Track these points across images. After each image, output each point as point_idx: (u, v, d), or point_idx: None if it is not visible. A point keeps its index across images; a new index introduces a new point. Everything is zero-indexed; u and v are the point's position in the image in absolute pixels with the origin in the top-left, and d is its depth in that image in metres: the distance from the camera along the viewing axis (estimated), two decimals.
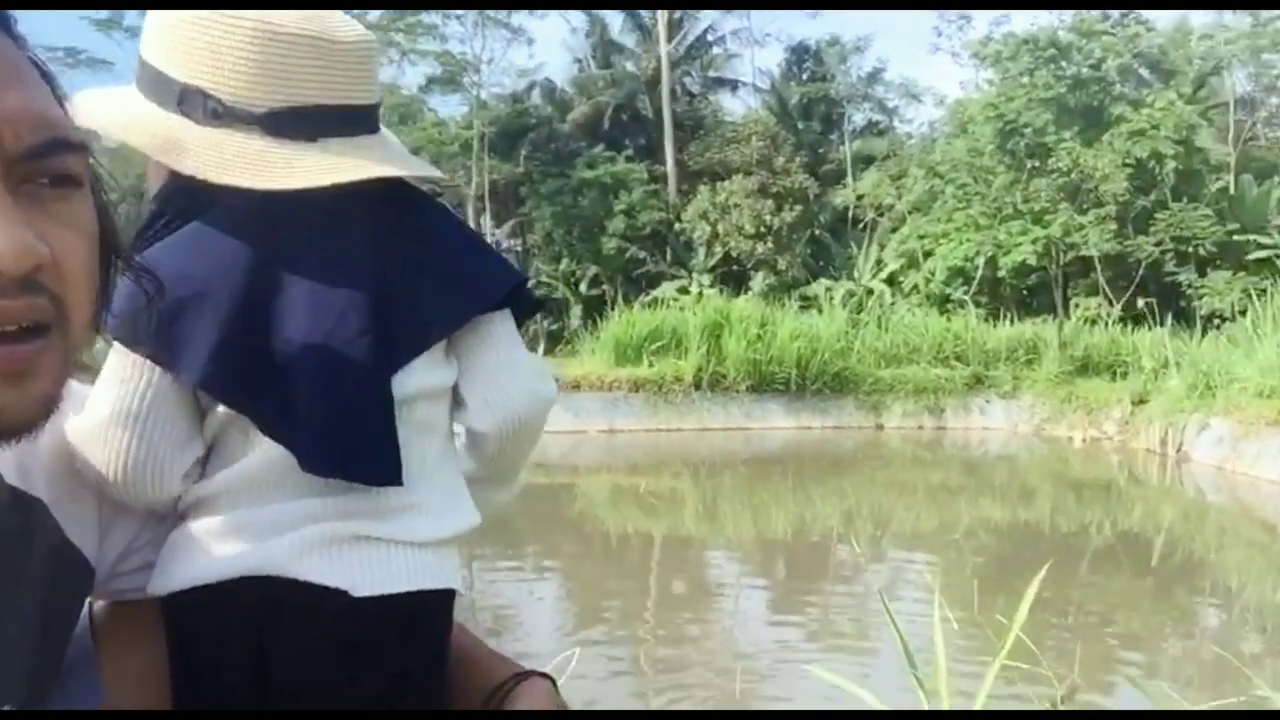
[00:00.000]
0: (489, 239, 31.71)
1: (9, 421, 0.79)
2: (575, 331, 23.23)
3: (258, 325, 1.06)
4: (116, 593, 1.19)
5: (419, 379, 1.12)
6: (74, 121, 0.83)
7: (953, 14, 30.05)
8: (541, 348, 24.74)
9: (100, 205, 0.89)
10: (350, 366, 1.06)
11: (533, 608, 8.05)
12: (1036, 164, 23.27)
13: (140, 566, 1.16)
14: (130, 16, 32.11)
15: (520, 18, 31.45)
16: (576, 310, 25.42)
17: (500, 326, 1.18)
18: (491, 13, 28.80)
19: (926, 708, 2.78)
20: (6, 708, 1.00)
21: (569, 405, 15.32)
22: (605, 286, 26.37)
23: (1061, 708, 3.06)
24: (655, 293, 23.49)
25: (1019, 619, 2.77)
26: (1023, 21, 26.09)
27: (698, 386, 16.32)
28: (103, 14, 25.72)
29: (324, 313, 1.07)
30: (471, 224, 28.80)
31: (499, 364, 1.18)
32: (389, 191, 1.13)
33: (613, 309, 20.20)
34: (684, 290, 23.85)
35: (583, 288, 26.58)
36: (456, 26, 29.26)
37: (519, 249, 28.90)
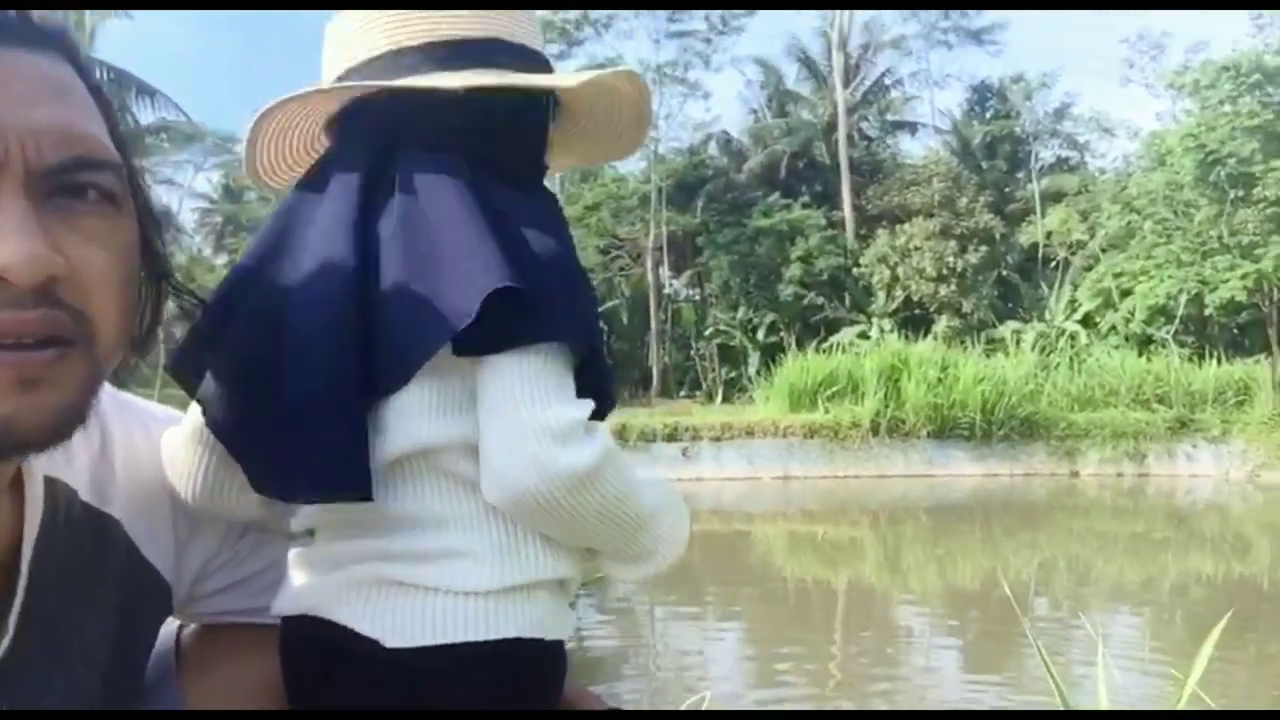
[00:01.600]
0: (666, 290, 32.32)
1: (21, 431, 0.79)
2: (754, 379, 23.16)
3: (258, 361, 1.00)
4: (199, 615, 1.19)
5: (431, 427, 0.98)
6: (106, 141, 0.84)
7: (1145, 44, 28.83)
8: (719, 396, 24.78)
9: (147, 226, 0.90)
10: (318, 394, 0.97)
11: (714, 657, 7.93)
12: (1241, 194, 21.91)
13: (222, 587, 1.16)
14: None
15: (696, 73, 31.97)
16: (754, 358, 25.36)
17: (494, 363, 0.95)
18: (669, 69, 29.43)
19: None
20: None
21: (743, 452, 15.23)
22: (783, 333, 26.21)
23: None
24: (834, 338, 23.19)
25: (1195, 673, 2.51)
26: (1222, 47, 24.86)
27: (875, 432, 15.96)
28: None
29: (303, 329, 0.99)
30: (649, 275, 29.40)
31: (488, 419, 0.95)
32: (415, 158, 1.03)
33: (789, 355, 20.05)
34: (864, 335, 23.50)
35: (760, 335, 26.52)
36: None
37: (697, 298, 29.12)
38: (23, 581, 0.94)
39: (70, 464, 1.00)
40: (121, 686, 1.09)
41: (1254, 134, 21.94)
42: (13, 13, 0.84)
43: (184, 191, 36.64)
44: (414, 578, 0.99)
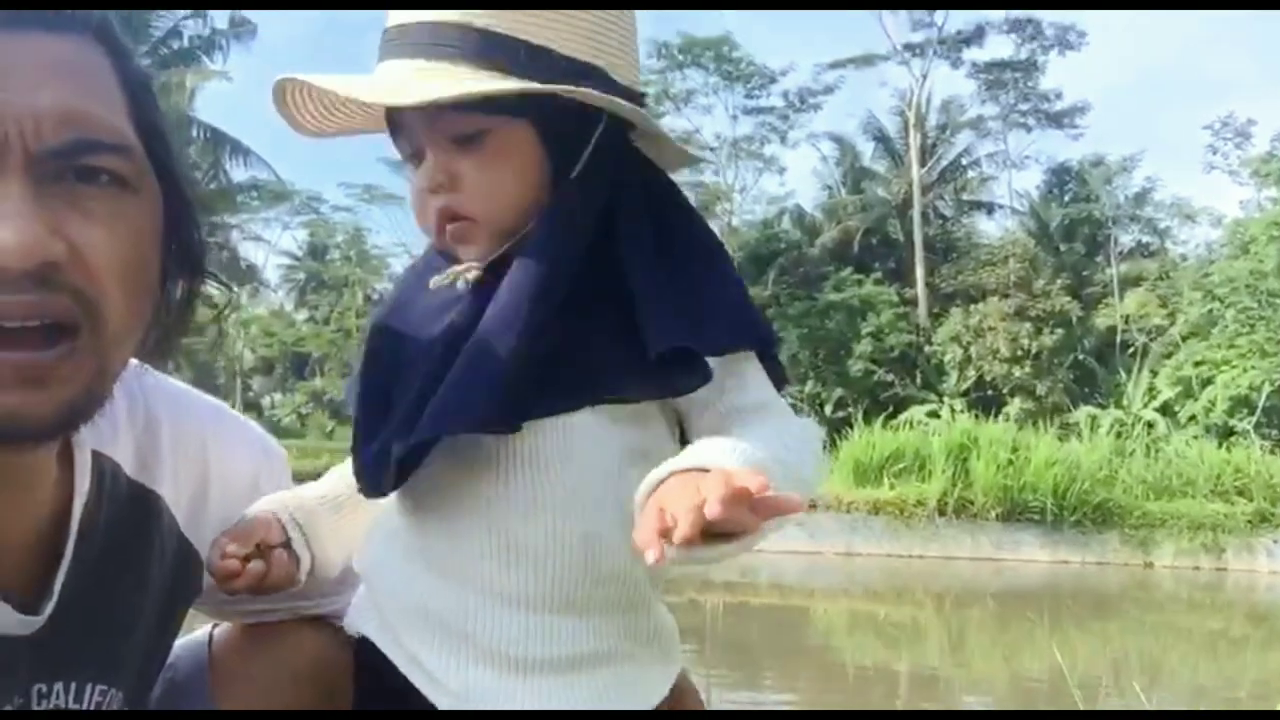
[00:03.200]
0: None
1: (26, 426, 0.80)
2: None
3: None
4: (225, 607, 1.20)
5: None
6: (116, 124, 0.84)
7: (1229, 130, 28.53)
8: None
9: (179, 215, 0.91)
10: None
11: None
12: None
13: None
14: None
15: (773, 148, 32.29)
16: (821, 433, 25.15)
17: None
18: (745, 144, 29.73)
19: None
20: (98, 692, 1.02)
21: (806, 525, 14.99)
22: (850, 409, 25.97)
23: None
24: (904, 416, 22.90)
25: None
26: None
27: (942, 512, 15.60)
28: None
29: None
30: None
31: None
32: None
33: (856, 430, 19.83)
34: (934, 414, 23.16)
35: (827, 410, 26.29)
36: (711, 157, 30.36)
37: None
38: (69, 548, 0.96)
39: (116, 439, 1.03)
40: (159, 661, 1.13)
41: None
42: None
43: (271, 249, 37.63)
44: None
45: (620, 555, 0.99)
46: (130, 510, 1.04)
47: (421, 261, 1.14)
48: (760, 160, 30.66)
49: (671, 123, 30.48)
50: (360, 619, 1.11)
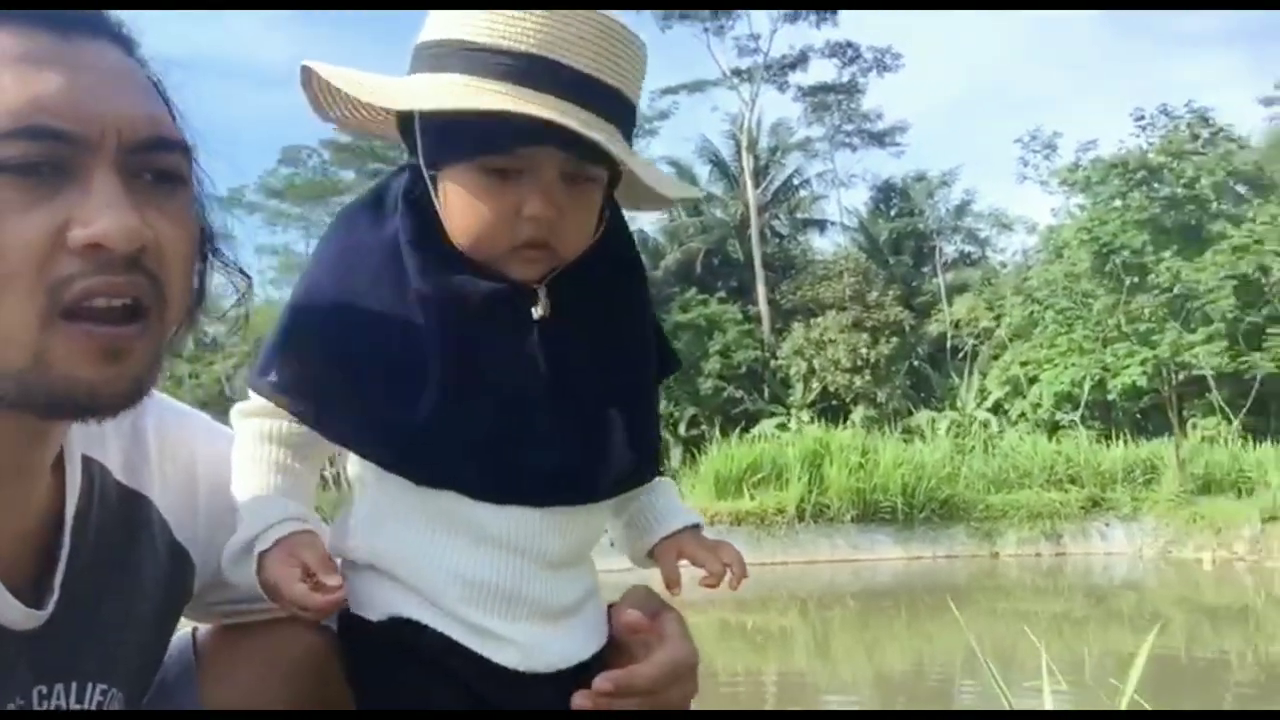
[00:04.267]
0: None
1: (102, 399, 0.86)
2: (676, 473, 23.14)
3: None
4: (215, 608, 1.21)
5: None
6: (176, 125, 0.93)
7: (1038, 143, 30.26)
8: None
9: (198, 204, 0.98)
10: None
11: None
12: (1136, 281, 22.94)
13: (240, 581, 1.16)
14: (249, 191, 34.32)
15: None
16: (676, 451, 25.38)
17: None
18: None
19: None
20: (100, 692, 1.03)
21: None
22: (704, 426, 26.36)
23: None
24: (755, 430, 23.39)
25: (1130, 686, 2.61)
26: (1109, 145, 26.21)
27: (801, 518, 16.01)
28: (223, 191, 27.66)
29: None
30: None
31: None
32: None
33: (712, 445, 20.13)
34: (783, 426, 23.72)
35: (681, 429, 26.59)
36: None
37: None
38: (65, 546, 0.99)
39: (104, 444, 1.06)
40: (155, 662, 1.14)
41: (1144, 227, 23.06)
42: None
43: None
44: None
45: (599, 513, 1.19)
46: (121, 512, 1.06)
47: (371, 235, 1.13)
48: None
49: None
50: (385, 603, 1.09)
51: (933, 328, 28.56)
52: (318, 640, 1.17)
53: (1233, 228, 22.75)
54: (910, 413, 24.84)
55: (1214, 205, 24.01)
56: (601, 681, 1.07)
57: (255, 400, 1.12)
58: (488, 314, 1.10)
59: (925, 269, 31.85)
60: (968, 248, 33.57)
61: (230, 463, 1.14)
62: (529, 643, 1.09)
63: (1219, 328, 21.85)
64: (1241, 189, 26.07)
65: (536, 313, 1.11)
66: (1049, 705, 2.79)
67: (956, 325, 27.77)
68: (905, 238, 32.36)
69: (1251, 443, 18.34)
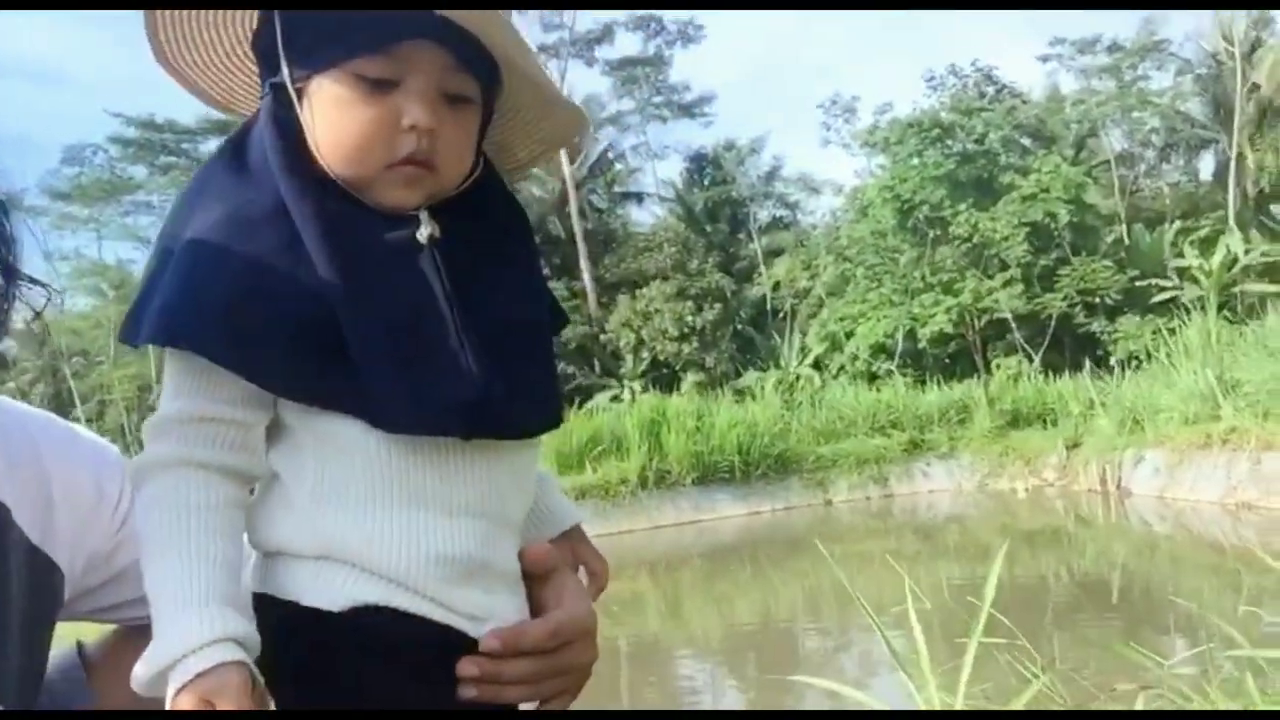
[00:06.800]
0: None
1: None
2: None
3: None
4: (93, 611, 1.16)
5: None
6: None
7: (838, 108, 31.35)
8: None
9: None
10: None
11: None
12: (938, 234, 24.12)
13: (109, 579, 1.13)
14: (30, 195, 31.91)
15: None
16: None
17: None
18: None
19: None
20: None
21: None
22: None
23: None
24: (589, 405, 23.53)
25: (988, 597, 2.82)
26: (904, 107, 27.41)
27: (644, 485, 16.24)
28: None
29: None
30: None
31: None
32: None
33: None
34: (616, 399, 23.92)
35: None
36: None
37: None
38: None
39: None
40: (34, 680, 1.07)
41: (941, 182, 24.21)
42: None
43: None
44: None
45: (534, 466, 1.14)
46: None
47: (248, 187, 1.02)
48: None
49: None
50: (346, 592, 0.97)
51: (753, 291, 29.28)
52: None
53: (1021, 178, 24.13)
54: (738, 375, 25.42)
55: (1003, 158, 25.39)
56: (489, 639, 0.99)
57: (167, 445, 0.96)
58: (371, 239, 1.00)
59: (741, 235, 32.59)
60: (780, 212, 34.52)
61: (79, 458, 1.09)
62: (494, 616, 1.02)
63: (1015, 273, 23.22)
64: (1026, 141, 27.73)
65: (423, 233, 1.03)
66: (917, 630, 2.95)
67: (775, 287, 28.55)
68: (720, 206, 33.00)
69: (1052, 377, 19.47)
